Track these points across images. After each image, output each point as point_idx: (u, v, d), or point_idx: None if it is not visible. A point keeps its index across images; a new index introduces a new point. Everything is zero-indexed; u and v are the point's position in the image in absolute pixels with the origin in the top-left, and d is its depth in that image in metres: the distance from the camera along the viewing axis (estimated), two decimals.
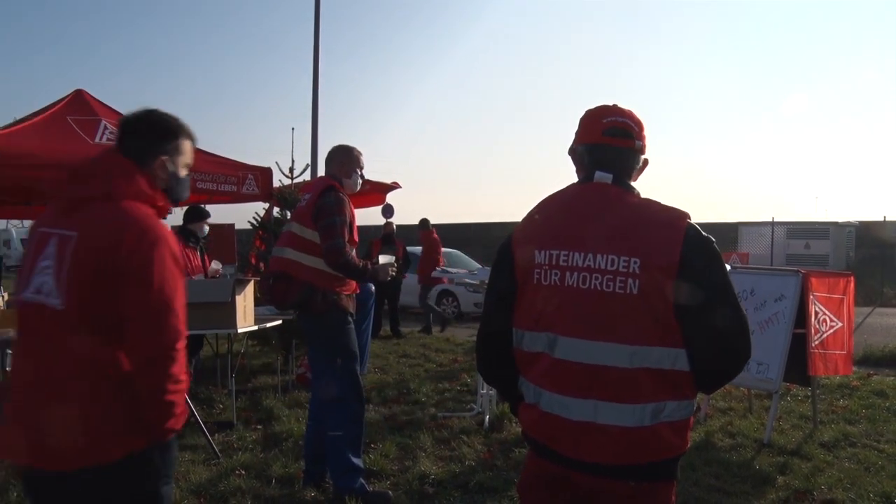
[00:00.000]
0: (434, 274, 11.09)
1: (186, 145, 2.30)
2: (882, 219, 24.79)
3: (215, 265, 7.60)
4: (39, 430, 1.90)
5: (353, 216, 4.01)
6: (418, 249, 12.88)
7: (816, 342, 5.61)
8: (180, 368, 1.99)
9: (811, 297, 5.58)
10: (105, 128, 7.79)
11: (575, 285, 1.89)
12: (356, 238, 4.03)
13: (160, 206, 2.16)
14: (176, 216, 7.39)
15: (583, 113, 2.10)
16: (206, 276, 7.16)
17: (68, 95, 8.27)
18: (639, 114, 2.06)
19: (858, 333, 6.56)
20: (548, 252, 1.94)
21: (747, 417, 6.04)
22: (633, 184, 2.03)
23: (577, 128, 2.11)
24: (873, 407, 6.41)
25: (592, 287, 1.86)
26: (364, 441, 4.38)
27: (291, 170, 8.40)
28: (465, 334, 11.14)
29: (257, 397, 6.43)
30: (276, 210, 8.37)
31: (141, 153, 2.18)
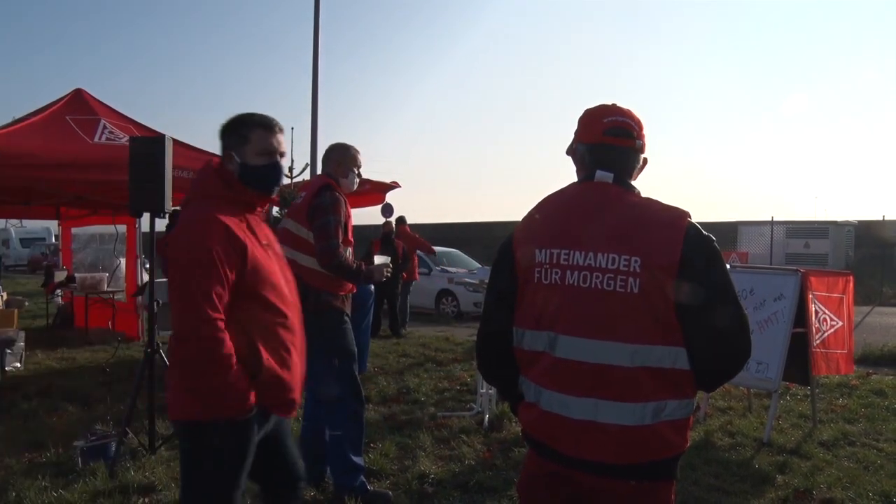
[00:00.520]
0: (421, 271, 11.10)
1: (254, 134, 2.47)
2: (881, 218, 24.83)
3: None
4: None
5: (348, 216, 3.97)
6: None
7: (818, 342, 5.61)
8: (200, 357, 2.24)
9: (811, 296, 5.58)
10: (104, 127, 7.77)
11: (576, 284, 1.89)
12: (351, 238, 3.97)
13: (245, 200, 2.47)
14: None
15: (582, 112, 2.10)
16: None
17: (67, 95, 8.26)
18: (638, 113, 2.06)
19: (857, 333, 6.56)
20: (548, 251, 1.94)
21: (747, 417, 6.04)
22: (633, 183, 2.03)
23: (576, 127, 2.10)
24: (872, 406, 6.41)
25: (593, 286, 1.87)
26: (364, 440, 4.37)
27: (291, 169, 8.43)
28: (465, 334, 11.14)
29: None
30: (275, 209, 8.36)
31: (221, 154, 2.50)
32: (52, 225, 22.30)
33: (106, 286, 10.92)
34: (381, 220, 12.20)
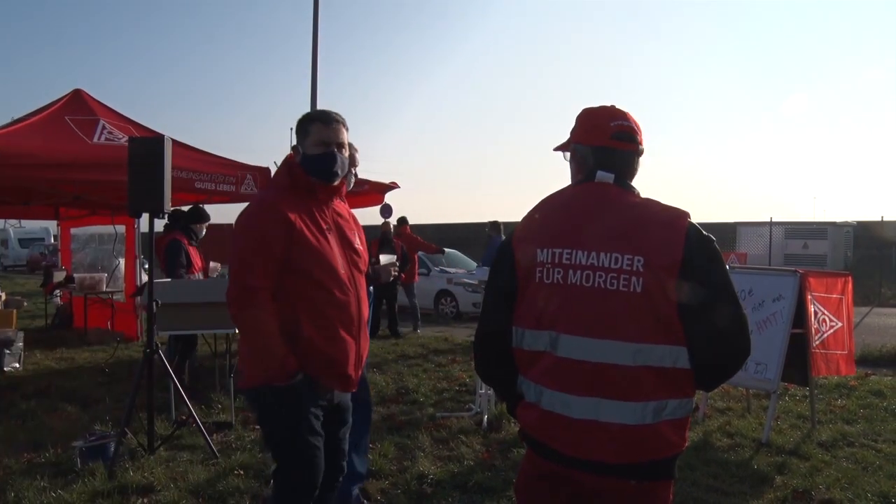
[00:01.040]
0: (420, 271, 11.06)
1: (312, 127, 2.78)
2: (880, 219, 24.82)
3: (213, 265, 7.61)
4: None
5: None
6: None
7: (817, 342, 5.62)
8: (246, 314, 2.58)
9: (809, 297, 5.59)
10: (103, 127, 7.77)
11: (578, 283, 1.90)
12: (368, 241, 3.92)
13: (305, 186, 2.75)
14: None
15: (580, 112, 2.10)
16: (205, 276, 7.18)
17: (66, 95, 8.26)
18: (636, 115, 2.08)
19: (856, 333, 6.56)
20: (550, 250, 1.95)
21: (745, 417, 6.04)
22: (632, 183, 2.05)
23: (574, 127, 2.10)
24: (871, 407, 6.41)
25: (596, 285, 1.88)
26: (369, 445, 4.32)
27: None
28: (464, 334, 11.14)
29: None
30: None
31: (292, 148, 2.84)
32: (51, 225, 22.33)
33: (105, 286, 10.92)
34: (380, 221, 12.19)
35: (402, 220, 12.43)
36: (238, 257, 2.64)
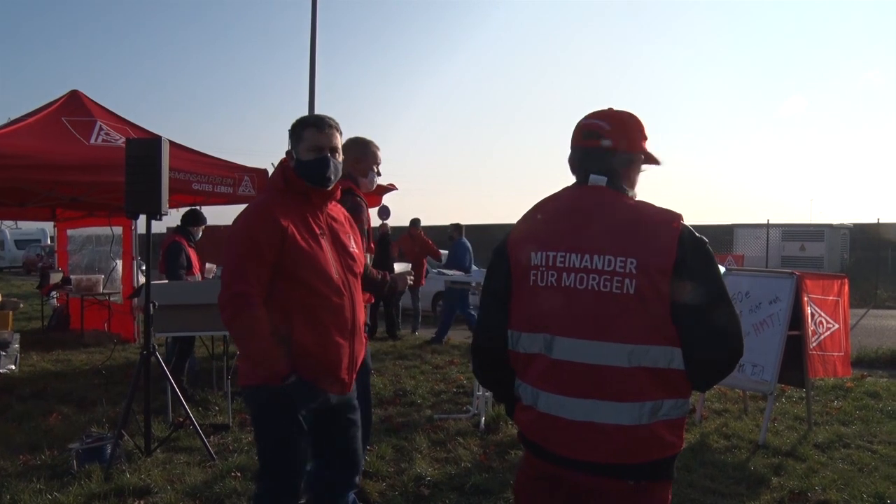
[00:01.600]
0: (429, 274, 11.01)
1: (306, 132, 2.80)
2: (876, 221, 24.87)
3: (209, 266, 7.61)
4: None
5: (369, 221, 3.79)
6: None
7: (814, 344, 5.63)
8: (237, 319, 2.59)
9: (806, 298, 5.60)
10: (100, 129, 7.77)
11: (572, 286, 1.90)
12: (373, 245, 3.82)
13: (300, 191, 2.78)
14: (174, 218, 7.40)
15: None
16: (202, 277, 7.18)
17: (63, 96, 8.25)
18: (636, 115, 2.07)
19: (853, 335, 6.58)
20: (545, 253, 1.95)
21: (742, 419, 6.05)
22: (631, 187, 2.05)
23: None
24: (867, 408, 6.43)
25: (590, 287, 1.88)
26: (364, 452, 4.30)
27: None
28: (462, 336, 11.14)
29: None
30: None
31: (286, 153, 2.86)
32: (48, 226, 22.23)
33: (101, 288, 10.90)
34: (377, 222, 12.15)
35: (415, 223, 12.27)
36: (230, 262, 2.67)
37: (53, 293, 11.92)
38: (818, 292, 5.80)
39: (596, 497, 1.95)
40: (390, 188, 10.01)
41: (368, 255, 3.76)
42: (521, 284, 1.99)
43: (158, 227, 5.09)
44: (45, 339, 10.34)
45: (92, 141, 7.54)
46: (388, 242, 11.24)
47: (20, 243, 34.49)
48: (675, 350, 1.85)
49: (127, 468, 4.54)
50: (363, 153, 3.89)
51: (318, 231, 2.77)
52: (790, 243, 24.68)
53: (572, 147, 2.09)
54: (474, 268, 12.60)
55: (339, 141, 2.87)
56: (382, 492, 4.28)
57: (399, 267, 4.07)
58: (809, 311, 5.63)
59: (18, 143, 6.74)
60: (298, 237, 2.67)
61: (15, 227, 34.78)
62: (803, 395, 6.21)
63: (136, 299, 9.08)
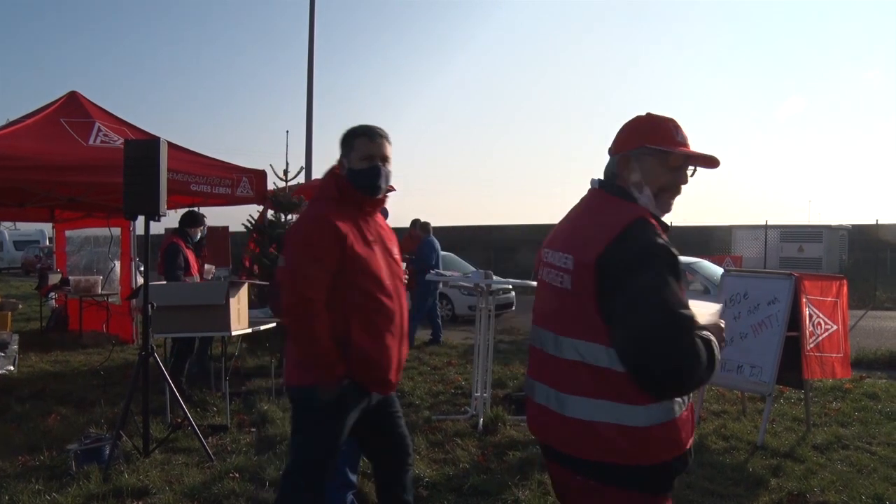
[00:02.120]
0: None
1: (357, 141, 2.87)
2: (875, 222, 24.91)
3: (208, 267, 7.60)
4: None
5: None
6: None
7: (812, 345, 5.63)
8: (302, 322, 2.69)
9: (804, 300, 5.60)
10: (99, 130, 7.77)
11: (544, 279, 2.07)
12: None
13: (353, 200, 2.86)
14: (172, 219, 7.39)
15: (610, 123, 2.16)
16: (201, 278, 7.17)
17: (62, 97, 8.25)
18: (649, 115, 2.07)
19: (851, 336, 6.58)
20: (544, 250, 2.11)
21: (741, 420, 6.05)
22: (635, 188, 1.99)
23: None
24: (866, 409, 6.43)
25: (548, 282, 2.02)
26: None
27: (286, 172, 8.38)
28: (460, 337, 11.13)
29: (251, 400, 6.41)
30: (270, 212, 8.36)
31: (338, 162, 2.93)
32: (46, 227, 22.26)
33: (100, 289, 10.89)
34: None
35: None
36: (295, 269, 2.72)
37: (52, 294, 11.92)
38: (817, 293, 5.80)
39: (564, 486, 2.04)
40: (389, 189, 9.97)
41: None
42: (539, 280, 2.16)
43: (157, 228, 5.09)
44: (44, 340, 10.33)
45: (90, 142, 7.53)
46: None
47: (19, 244, 34.46)
48: (612, 350, 1.81)
49: (125, 469, 4.54)
50: None
51: (370, 238, 2.87)
52: (789, 244, 24.70)
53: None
54: (472, 269, 12.55)
55: (390, 150, 2.95)
56: None
57: None
58: (807, 313, 5.63)
59: (17, 144, 6.74)
60: (356, 244, 2.77)
61: (13, 228, 34.75)
62: (802, 396, 6.21)
63: (134, 300, 9.08)
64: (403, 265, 4.12)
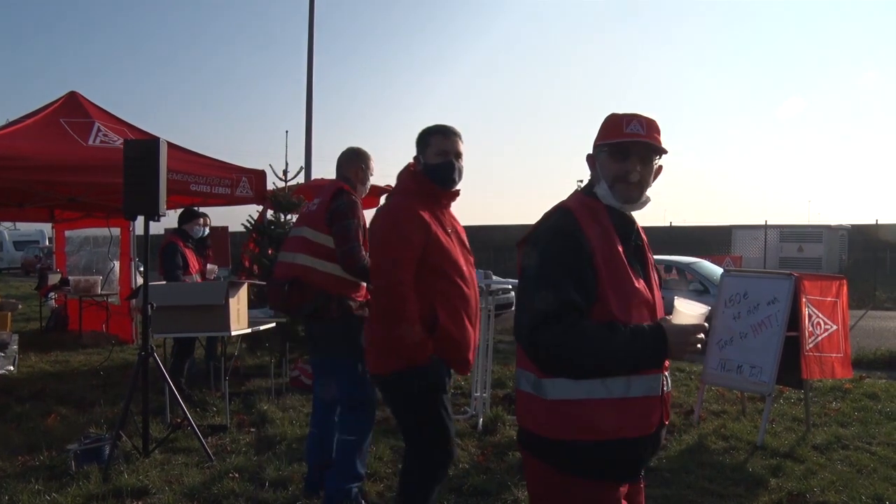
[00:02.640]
0: None
1: (433, 139, 3.07)
2: (874, 222, 24.91)
3: (210, 267, 7.58)
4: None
5: (364, 220, 3.93)
6: None
7: (811, 345, 5.63)
8: (395, 305, 2.83)
9: (804, 300, 5.60)
10: (98, 130, 7.77)
11: None
12: (367, 243, 3.93)
13: (430, 193, 3.05)
14: (172, 219, 7.38)
15: None
16: (202, 278, 7.15)
17: (62, 97, 8.25)
18: (612, 113, 2.14)
19: (851, 336, 6.58)
20: None
21: (740, 420, 6.05)
22: (596, 181, 2.11)
23: None
24: (866, 410, 6.43)
25: None
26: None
27: (285, 172, 8.39)
28: None
29: (251, 400, 6.40)
30: (269, 212, 8.36)
31: (414, 158, 3.13)
32: (46, 227, 22.24)
33: (100, 289, 10.89)
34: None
35: None
36: (386, 256, 2.91)
37: (52, 294, 11.92)
38: (816, 293, 5.80)
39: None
40: (388, 189, 9.99)
41: (366, 252, 3.83)
42: None
43: (156, 228, 5.09)
44: (44, 340, 10.33)
45: (90, 142, 7.53)
46: None
47: (18, 244, 34.47)
48: None
49: (125, 469, 4.54)
50: (365, 163, 4.20)
51: (448, 229, 3.08)
52: (788, 244, 24.72)
53: None
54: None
55: (462, 147, 3.14)
56: (381, 492, 4.28)
57: None
58: (807, 313, 5.63)
59: (17, 144, 6.73)
60: (440, 233, 2.99)
61: (13, 228, 34.74)
62: (801, 396, 6.21)
63: (133, 300, 9.08)
64: None
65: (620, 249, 1.96)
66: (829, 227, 25.60)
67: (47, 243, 26.90)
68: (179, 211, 7.43)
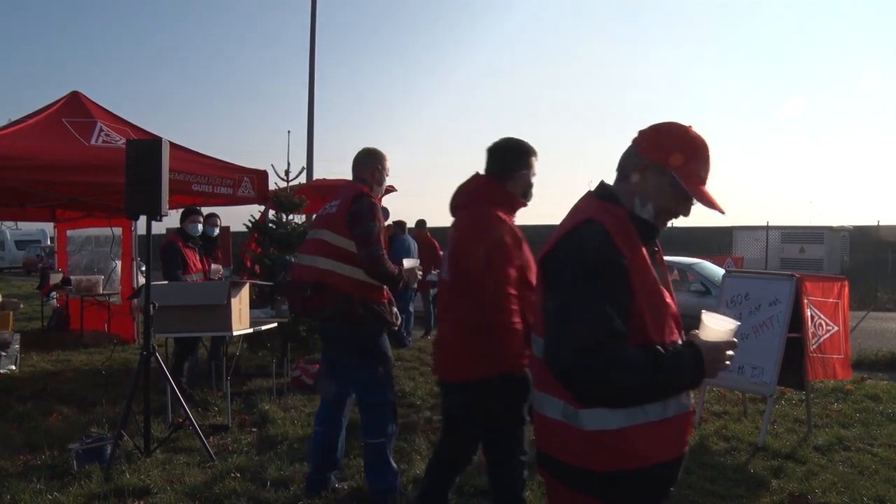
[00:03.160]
0: (429, 277, 10.85)
1: (532, 160, 3.29)
2: (876, 223, 24.90)
3: (215, 267, 7.58)
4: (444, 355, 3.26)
5: (382, 221, 3.94)
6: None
7: (814, 346, 5.63)
8: (500, 319, 2.97)
9: (806, 301, 5.60)
10: (101, 130, 7.77)
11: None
12: (385, 245, 3.96)
13: (513, 204, 3.22)
14: (174, 219, 7.38)
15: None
16: (205, 277, 7.14)
17: (64, 97, 8.25)
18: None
19: (853, 337, 6.57)
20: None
21: (742, 421, 6.05)
22: (627, 189, 1.97)
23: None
24: (867, 411, 6.43)
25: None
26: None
27: (287, 172, 8.40)
28: None
29: (252, 400, 6.41)
30: (271, 213, 8.36)
31: (504, 170, 3.23)
32: (48, 227, 22.26)
33: (101, 289, 10.90)
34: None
35: (421, 224, 12.01)
36: (494, 266, 3.00)
37: (53, 294, 11.93)
38: (818, 294, 5.80)
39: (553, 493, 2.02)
40: (389, 189, 10.00)
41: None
42: None
43: (158, 227, 5.09)
44: (45, 340, 10.34)
45: (92, 142, 7.53)
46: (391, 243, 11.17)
47: (20, 244, 34.50)
48: None
49: (126, 468, 4.54)
50: (381, 164, 4.15)
51: (520, 237, 3.20)
52: (790, 245, 24.71)
53: None
54: None
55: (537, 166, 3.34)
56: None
57: (408, 263, 4.13)
58: (809, 314, 5.62)
59: (19, 144, 6.74)
60: (524, 243, 3.14)
61: (15, 227, 34.78)
62: (803, 397, 6.21)
63: (135, 300, 9.09)
64: (417, 262, 4.21)
65: (649, 263, 1.85)
66: (830, 228, 25.56)
67: (49, 243, 26.94)
68: (181, 210, 7.44)
